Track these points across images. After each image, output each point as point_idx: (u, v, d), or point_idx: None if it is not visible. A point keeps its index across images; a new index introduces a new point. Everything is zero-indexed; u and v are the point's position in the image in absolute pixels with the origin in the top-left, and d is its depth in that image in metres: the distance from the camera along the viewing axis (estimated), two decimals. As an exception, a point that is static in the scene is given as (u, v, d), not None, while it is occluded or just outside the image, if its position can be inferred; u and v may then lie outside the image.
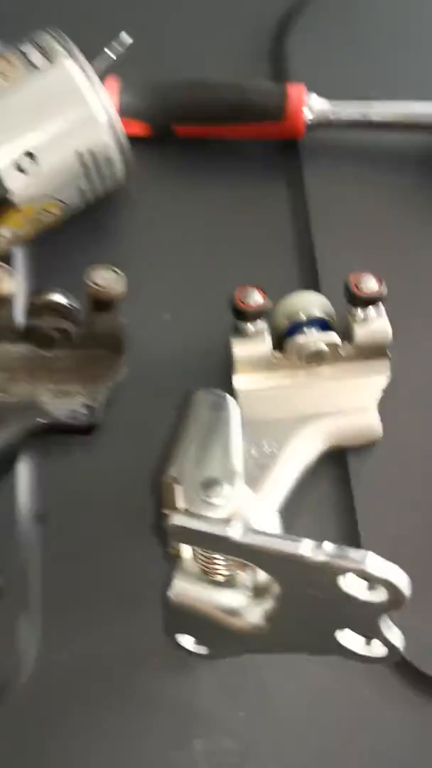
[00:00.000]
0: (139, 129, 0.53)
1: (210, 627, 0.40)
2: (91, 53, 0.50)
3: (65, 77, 0.48)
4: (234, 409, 0.40)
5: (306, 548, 0.33)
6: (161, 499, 0.41)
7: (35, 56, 0.48)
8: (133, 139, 0.55)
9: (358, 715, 0.44)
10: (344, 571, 0.33)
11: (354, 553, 0.33)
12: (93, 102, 0.48)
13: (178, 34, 0.61)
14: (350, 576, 0.33)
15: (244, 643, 0.40)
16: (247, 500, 0.38)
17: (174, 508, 0.41)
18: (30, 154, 0.47)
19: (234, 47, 0.61)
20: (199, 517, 0.35)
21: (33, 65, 0.48)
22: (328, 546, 0.33)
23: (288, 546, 0.33)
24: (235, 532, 0.34)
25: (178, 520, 0.35)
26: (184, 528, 0.35)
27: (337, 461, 0.48)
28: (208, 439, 0.39)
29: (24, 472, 0.49)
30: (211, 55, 0.60)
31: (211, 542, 0.35)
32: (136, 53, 0.55)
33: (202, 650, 0.43)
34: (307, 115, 0.55)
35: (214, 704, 0.44)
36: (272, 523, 0.39)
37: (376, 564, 0.33)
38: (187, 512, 0.36)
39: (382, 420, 0.48)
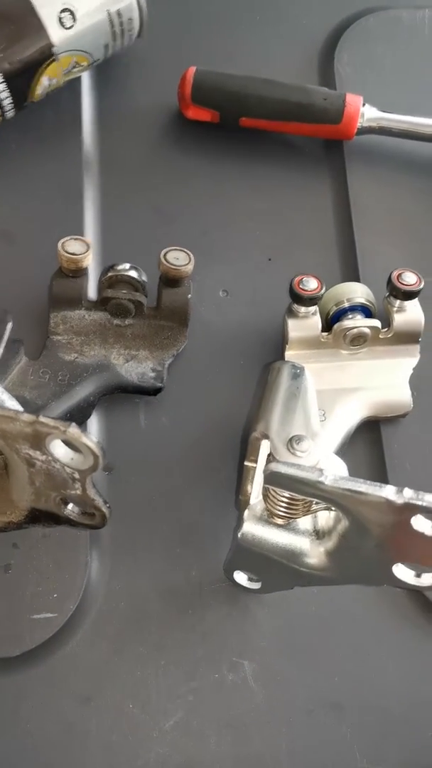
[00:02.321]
0: (208, 116, 0.57)
1: (269, 565, 0.45)
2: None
3: None
4: (310, 379, 0.46)
5: (390, 492, 0.38)
6: (247, 452, 0.47)
7: None
8: (201, 125, 0.60)
9: (373, 637, 0.51)
10: (423, 512, 0.38)
11: (430, 497, 0.38)
12: None
13: (244, 39, 0.66)
14: (420, 516, 0.39)
15: (299, 578, 0.45)
16: (324, 453, 0.44)
17: (255, 460, 0.47)
18: (70, 11, 0.55)
19: (287, 57, 0.65)
20: (296, 465, 0.40)
21: None
22: (408, 491, 0.38)
23: (374, 490, 0.38)
24: (327, 478, 0.39)
25: (278, 467, 0.40)
26: (283, 474, 0.40)
27: (372, 429, 0.54)
28: (290, 403, 0.45)
29: (95, 426, 0.54)
30: (268, 60, 0.65)
31: (301, 486, 0.40)
32: (209, 50, 0.61)
33: (255, 586, 0.49)
34: (361, 121, 0.60)
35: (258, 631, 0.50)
36: (344, 471, 0.44)
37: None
38: (283, 462, 0.40)
39: (412, 395, 0.54)
